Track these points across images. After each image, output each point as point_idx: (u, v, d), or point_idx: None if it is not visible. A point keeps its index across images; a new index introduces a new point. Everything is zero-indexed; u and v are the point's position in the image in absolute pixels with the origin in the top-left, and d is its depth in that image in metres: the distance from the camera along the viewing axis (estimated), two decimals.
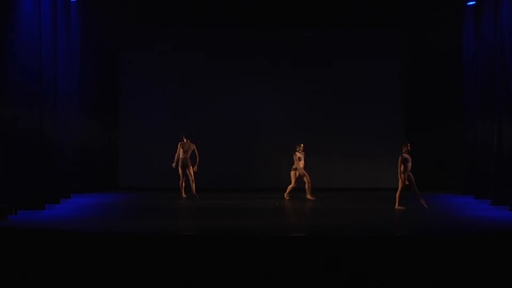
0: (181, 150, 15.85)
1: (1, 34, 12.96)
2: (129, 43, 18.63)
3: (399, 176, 13.84)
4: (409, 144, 13.97)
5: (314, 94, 18.71)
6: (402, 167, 13.77)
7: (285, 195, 15.97)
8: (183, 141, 15.91)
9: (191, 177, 15.91)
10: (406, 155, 13.79)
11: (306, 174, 15.88)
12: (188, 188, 16.05)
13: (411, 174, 13.85)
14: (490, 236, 10.55)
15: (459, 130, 17.77)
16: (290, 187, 15.94)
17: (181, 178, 15.95)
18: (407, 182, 13.83)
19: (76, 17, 16.58)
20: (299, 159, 15.82)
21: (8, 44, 13.03)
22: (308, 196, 15.83)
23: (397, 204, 13.92)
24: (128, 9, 17.63)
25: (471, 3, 16.84)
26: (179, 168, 15.88)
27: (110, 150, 18.44)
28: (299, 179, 15.90)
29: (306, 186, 15.92)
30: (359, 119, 18.67)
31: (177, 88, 18.69)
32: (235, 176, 18.60)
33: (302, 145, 15.91)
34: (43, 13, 13.64)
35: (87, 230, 10.74)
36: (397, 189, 14.01)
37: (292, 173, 15.87)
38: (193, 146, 15.99)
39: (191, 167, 15.88)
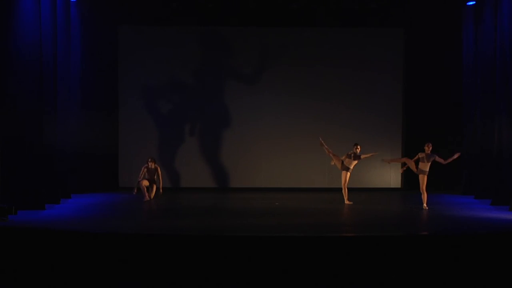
0: (146, 174, 15.79)
1: (0, 35, 12.96)
2: (129, 43, 18.60)
3: (415, 171, 14.15)
4: (430, 146, 14.17)
5: (313, 93, 18.67)
6: (411, 162, 14.16)
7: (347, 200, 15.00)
8: (147, 164, 15.85)
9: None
10: (422, 155, 14.08)
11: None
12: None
13: (420, 175, 14.04)
14: (490, 236, 10.54)
15: (459, 130, 17.77)
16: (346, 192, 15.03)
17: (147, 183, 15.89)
18: (401, 171, 14.75)
19: (76, 17, 16.58)
20: (351, 156, 14.89)
21: (8, 45, 13.01)
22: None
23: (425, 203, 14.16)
24: (128, 8, 17.63)
25: (471, 3, 16.85)
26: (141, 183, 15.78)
27: (110, 150, 18.42)
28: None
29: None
30: (358, 119, 18.62)
31: (177, 87, 18.67)
32: (235, 176, 18.61)
33: (359, 147, 15.02)
34: (43, 14, 13.64)
35: (87, 230, 10.73)
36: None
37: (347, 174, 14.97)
38: (157, 169, 15.97)
39: (154, 186, 15.82)
